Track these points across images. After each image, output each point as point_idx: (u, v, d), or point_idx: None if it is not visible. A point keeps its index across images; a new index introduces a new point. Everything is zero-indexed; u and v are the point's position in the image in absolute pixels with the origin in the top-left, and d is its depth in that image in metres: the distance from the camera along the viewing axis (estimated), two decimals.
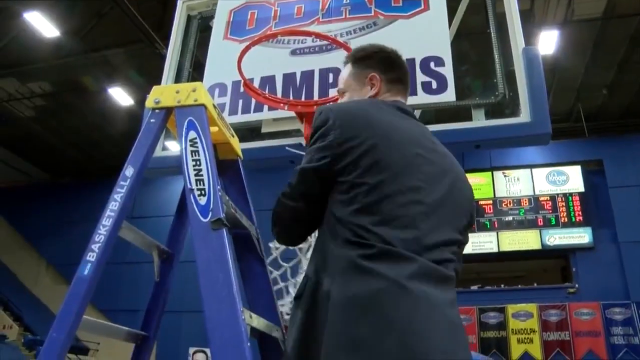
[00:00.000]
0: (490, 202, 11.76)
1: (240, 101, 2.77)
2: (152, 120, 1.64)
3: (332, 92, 2.59)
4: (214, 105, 1.71)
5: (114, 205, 1.54)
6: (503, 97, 2.55)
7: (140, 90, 10.66)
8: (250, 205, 1.88)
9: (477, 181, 11.81)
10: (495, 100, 2.55)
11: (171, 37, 3.18)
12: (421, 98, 2.55)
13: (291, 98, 2.67)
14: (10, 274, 14.64)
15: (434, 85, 2.54)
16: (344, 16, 2.86)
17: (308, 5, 2.97)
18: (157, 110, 1.65)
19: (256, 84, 2.78)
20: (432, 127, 2.56)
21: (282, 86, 2.74)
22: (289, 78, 2.76)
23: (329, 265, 1.27)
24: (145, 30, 9.00)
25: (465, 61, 2.74)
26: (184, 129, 1.57)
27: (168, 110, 1.64)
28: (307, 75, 2.76)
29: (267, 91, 2.74)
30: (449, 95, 2.51)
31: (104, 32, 10.08)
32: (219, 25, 3.06)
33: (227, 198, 1.54)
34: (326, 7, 2.92)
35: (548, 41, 9.82)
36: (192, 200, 1.46)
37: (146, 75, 10.59)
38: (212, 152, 1.53)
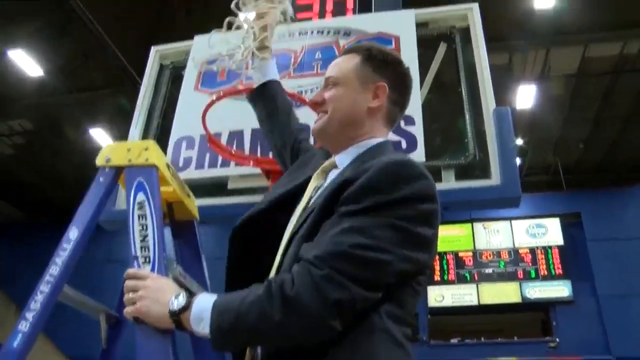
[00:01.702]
0: (471, 254, 11.73)
1: (208, 155, 2.71)
2: (101, 179, 1.57)
3: None
4: (167, 164, 1.65)
5: (54, 270, 1.44)
6: (473, 158, 2.52)
7: (121, 133, 10.59)
8: (204, 268, 1.79)
9: (457, 233, 11.81)
10: (465, 162, 2.52)
11: (142, 86, 3.14)
12: None
13: (259, 154, 2.62)
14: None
15: (404, 144, 2.50)
16: (315, 71, 2.84)
17: (280, 58, 2.93)
18: (107, 169, 1.58)
19: (224, 138, 2.73)
20: None
21: (250, 141, 2.69)
22: (257, 133, 2.71)
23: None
24: (129, 73, 9.01)
25: (436, 119, 2.72)
26: (133, 190, 1.50)
27: (118, 169, 1.57)
28: None
29: (234, 146, 2.69)
30: (419, 155, 2.46)
31: (88, 73, 10.08)
32: (190, 76, 3.02)
33: (175, 265, 1.45)
34: (298, 61, 2.91)
35: (526, 95, 10.00)
36: (136, 267, 1.38)
37: (128, 118, 10.53)
38: (160, 216, 1.45)
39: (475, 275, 11.54)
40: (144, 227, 1.43)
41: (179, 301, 1.18)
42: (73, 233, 1.49)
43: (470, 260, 11.67)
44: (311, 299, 1.05)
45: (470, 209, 2.47)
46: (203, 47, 3.06)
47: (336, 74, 1.46)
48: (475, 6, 2.86)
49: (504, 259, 11.61)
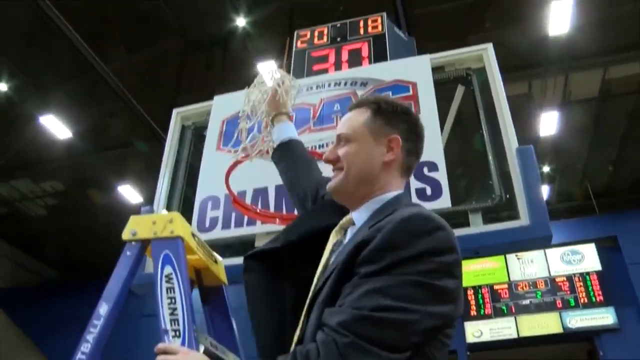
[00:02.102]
0: (506, 286, 11.41)
1: (233, 214, 2.74)
2: (128, 253, 1.58)
3: None
4: (192, 234, 1.66)
5: (85, 347, 1.44)
6: (500, 199, 2.50)
7: (149, 189, 10.77)
8: (235, 332, 1.77)
9: (490, 266, 11.55)
10: (492, 204, 2.49)
11: (165, 148, 3.21)
12: None
13: (284, 210, 2.63)
14: None
15: (428, 191, 2.50)
16: (335, 123, 2.87)
17: (299, 113, 2.99)
18: (133, 243, 1.60)
19: (249, 196, 2.76)
20: None
21: (274, 198, 2.71)
22: (281, 189, 2.72)
23: None
24: (152, 128, 9.21)
25: (460, 163, 2.71)
26: (160, 263, 1.51)
27: (144, 243, 1.59)
28: None
29: (259, 203, 2.72)
30: (444, 201, 2.46)
31: (114, 132, 10.35)
32: (211, 136, 3.09)
33: (206, 337, 1.45)
34: (317, 115, 2.94)
35: (549, 122, 9.91)
36: (167, 342, 1.37)
37: (155, 173, 10.73)
38: (188, 288, 1.46)
39: (513, 307, 11.20)
40: (173, 300, 1.43)
41: None
42: (103, 309, 1.50)
43: (506, 293, 11.36)
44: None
45: (501, 252, 2.40)
46: (222, 107, 3.13)
47: (348, 130, 1.45)
48: (490, 47, 2.87)
49: (541, 288, 11.27)
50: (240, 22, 8.97)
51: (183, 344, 1.36)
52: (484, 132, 2.67)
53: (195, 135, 3.31)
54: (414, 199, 2.50)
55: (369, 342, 1.05)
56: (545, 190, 12.03)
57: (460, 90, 2.88)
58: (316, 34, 3.75)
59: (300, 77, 3.41)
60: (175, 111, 3.34)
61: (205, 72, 9.66)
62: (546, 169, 11.52)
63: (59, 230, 13.41)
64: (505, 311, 11.21)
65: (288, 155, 2.12)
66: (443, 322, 1.15)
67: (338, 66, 3.45)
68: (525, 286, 11.38)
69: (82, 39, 7.62)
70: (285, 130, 2.17)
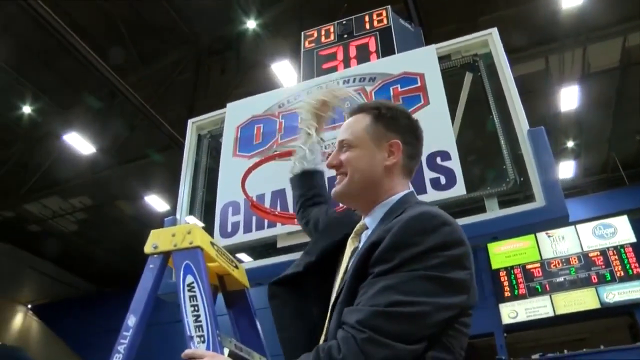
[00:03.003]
0: (538, 264, 11.32)
1: (254, 218, 2.79)
2: (151, 266, 1.66)
3: None
4: (211, 242, 1.72)
5: (117, 358, 1.52)
6: (514, 183, 2.50)
7: (175, 197, 10.89)
8: (260, 333, 1.84)
9: (521, 245, 11.47)
10: (506, 188, 2.50)
11: (183, 157, 3.28)
12: (431, 195, 2.50)
13: None
14: None
15: (443, 180, 2.51)
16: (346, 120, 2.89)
17: None
18: (155, 256, 1.66)
19: (267, 198, 2.81)
20: None
21: (292, 198, 2.75)
22: None
23: None
24: (173, 137, 9.34)
25: (472, 150, 2.72)
26: (182, 273, 1.58)
27: (166, 255, 1.66)
28: None
29: (278, 204, 2.76)
30: (459, 189, 2.47)
31: (136, 143, 10.52)
32: (227, 143, 3.14)
33: (230, 340, 1.51)
34: None
35: (569, 97, 9.76)
36: (192, 347, 1.44)
37: (179, 182, 10.88)
38: (210, 294, 1.52)
39: (547, 286, 11.11)
40: (196, 308, 1.50)
41: None
42: (131, 320, 1.57)
43: (539, 272, 11.27)
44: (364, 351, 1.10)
45: (519, 235, 2.42)
46: (235, 114, 3.19)
47: (349, 136, 1.49)
48: (494, 31, 2.87)
49: (574, 265, 11.15)
50: (251, 24, 9.04)
51: (208, 348, 1.42)
52: (494, 116, 2.67)
53: (212, 144, 3.37)
54: (429, 189, 2.52)
55: (385, 336, 1.11)
56: (571, 166, 11.86)
57: (468, 77, 2.88)
58: (323, 32, 3.78)
59: (310, 77, 3.46)
60: (190, 122, 3.40)
61: (220, 76, 9.76)
62: (570, 144, 11.37)
63: (91, 243, 13.76)
64: (540, 290, 11.13)
65: (306, 188, 2.13)
66: (457, 312, 1.20)
67: (347, 63, 3.47)
68: (558, 263, 11.28)
69: (97, 54, 7.76)
70: (311, 159, 2.16)
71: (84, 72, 8.43)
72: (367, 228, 1.46)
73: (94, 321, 14.44)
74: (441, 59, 2.92)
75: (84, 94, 9.57)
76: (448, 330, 1.20)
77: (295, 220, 2.58)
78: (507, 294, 11.25)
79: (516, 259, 11.44)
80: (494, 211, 2.47)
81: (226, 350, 1.45)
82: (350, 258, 1.43)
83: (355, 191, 1.47)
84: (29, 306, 18.07)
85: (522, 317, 11.00)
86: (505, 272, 11.38)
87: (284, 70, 8.47)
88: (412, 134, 1.52)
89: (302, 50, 3.79)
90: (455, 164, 2.53)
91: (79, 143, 10.00)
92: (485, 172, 2.69)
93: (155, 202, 11.74)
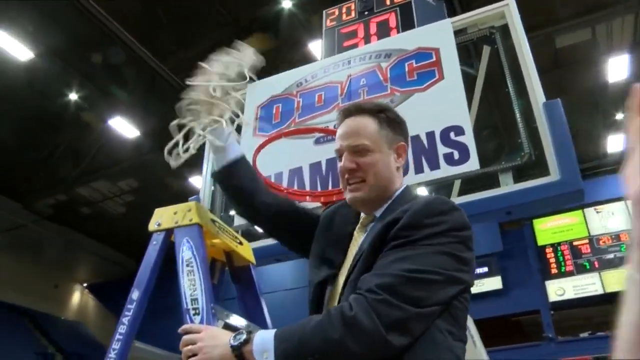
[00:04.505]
0: (587, 241, 11.06)
1: None
2: (154, 243, 1.73)
3: None
4: (212, 220, 1.78)
5: (122, 329, 1.61)
6: (529, 157, 2.46)
7: None
8: (264, 307, 1.89)
9: (568, 221, 11.21)
10: (521, 162, 2.46)
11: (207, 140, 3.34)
12: (444, 171, 2.49)
13: (318, 187, 2.71)
14: None
15: (456, 155, 2.49)
16: (362, 98, 2.90)
17: (328, 92, 3.05)
18: (158, 233, 1.73)
19: (285, 177, 2.85)
20: (459, 200, 2.51)
21: (309, 176, 2.79)
22: (315, 167, 2.80)
23: None
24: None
25: (487, 124, 2.68)
26: (181, 249, 1.64)
27: (168, 232, 1.72)
28: (333, 163, 2.75)
29: (295, 183, 2.80)
30: (473, 164, 2.44)
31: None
32: (248, 123, 3.19)
33: (226, 313, 1.57)
34: (345, 91, 2.98)
35: (619, 67, 9.40)
36: (188, 320, 1.50)
37: None
38: (206, 269, 1.58)
39: (596, 263, 10.84)
40: (193, 282, 1.56)
41: (240, 337, 1.28)
42: (135, 294, 1.65)
43: (587, 248, 11.00)
44: (368, 319, 1.15)
45: (533, 211, 2.37)
46: (256, 93, 3.24)
47: (366, 140, 1.48)
48: (512, 1, 2.80)
49: (625, 241, 10.81)
50: (287, 4, 9.04)
51: (202, 320, 1.48)
52: (510, 89, 2.62)
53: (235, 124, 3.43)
54: (442, 164, 2.51)
55: (398, 299, 1.17)
56: (620, 140, 11.45)
57: (486, 51, 2.82)
58: (344, 10, 3.76)
59: (332, 55, 3.45)
60: None
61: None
62: (619, 116, 10.94)
63: (139, 224, 14.12)
64: (588, 267, 10.88)
65: (233, 187, 1.80)
66: (463, 287, 1.30)
67: (367, 40, 3.45)
68: (608, 240, 10.98)
69: (137, 40, 7.95)
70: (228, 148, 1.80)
71: (125, 58, 8.66)
72: (372, 220, 1.49)
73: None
74: (457, 33, 2.87)
75: (125, 79, 9.83)
76: (455, 304, 1.28)
77: (307, 197, 2.62)
78: (553, 270, 11.04)
79: (563, 235, 11.20)
80: (508, 186, 2.44)
81: (221, 323, 1.50)
82: (361, 244, 1.46)
83: (375, 195, 1.49)
84: (85, 285, 18.96)
85: (570, 295, 10.79)
86: (551, 249, 11.17)
87: (320, 49, 8.44)
88: (407, 135, 1.60)
89: (323, 28, 3.79)
90: (469, 139, 2.50)
91: (124, 127, 10.33)
92: (500, 147, 2.64)
93: (199, 183, 12.01)
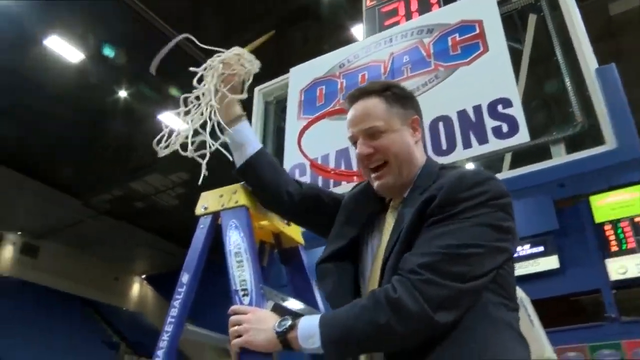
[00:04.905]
0: None
1: (320, 178, 2.84)
2: (201, 227, 1.76)
3: None
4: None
5: (173, 312, 1.64)
6: (582, 126, 2.36)
7: None
8: (314, 287, 1.88)
9: (627, 197, 10.75)
10: (574, 132, 2.37)
11: (252, 125, 3.37)
12: (493, 144, 2.43)
13: None
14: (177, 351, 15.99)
15: (505, 128, 2.42)
16: (405, 75, 2.85)
17: (370, 71, 3.01)
18: (205, 216, 1.75)
19: (332, 158, 2.84)
20: (509, 174, 2.44)
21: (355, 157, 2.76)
22: None
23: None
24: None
25: (536, 95, 2.59)
26: (228, 231, 1.65)
27: (215, 215, 1.74)
28: None
29: (342, 163, 2.79)
30: (523, 137, 2.37)
31: None
32: (292, 106, 3.20)
33: (276, 293, 1.57)
34: (388, 69, 2.94)
35: None
36: (237, 301, 1.51)
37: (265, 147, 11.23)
38: (254, 251, 1.59)
39: None
40: (240, 264, 1.57)
41: (285, 323, 1.29)
42: (185, 277, 1.68)
43: None
44: (412, 300, 1.14)
45: (587, 183, 2.28)
46: (298, 77, 3.23)
47: (377, 122, 1.43)
48: None
49: None
50: None
51: (251, 302, 1.49)
52: (559, 58, 2.51)
53: (279, 109, 3.45)
54: (490, 137, 2.44)
55: (441, 277, 1.16)
56: None
57: (532, 19, 2.72)
58: None
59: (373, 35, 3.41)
60: (256, 89, 3.48)
61: (302, 44, 9.83)
62: None
63: (192, 215, 14.42)
64: None
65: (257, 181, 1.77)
66: (507, 257, 1.27)
67: (408, 17, 3.39)
68: None
69: (178, 33, 8.05)
70: (245, 139, 1.86)
71: (171, 54, 8.79)
72: (402, 202, 1.44)
73: (204, 288, 15.36)
74: (500, 3, 2.77)
75: (170, 72, 9.99)
76: (501, 272, 1.25)
77: (354, 177, 2.60)
78: (613, 248, 10.63)
79: (622, 211, 10.75)
80: (560, 157, 2.35)
81: (270, 303, 1.50)
82: (395, 225, 1.40)
83: (400, 176, 1.43)
84: (143, 277, 19.62)
85: (633, 273, 10.37)
86: (610, 226, 10.74)
87: (361, 32, 8.39)
88: (419, 107, 1.54)
89: (364, 8, 3.75)
90: (517, 111, 2.43)
91: (174, 121, 10.53)
92: (551, 118, 2.55)
93: None
